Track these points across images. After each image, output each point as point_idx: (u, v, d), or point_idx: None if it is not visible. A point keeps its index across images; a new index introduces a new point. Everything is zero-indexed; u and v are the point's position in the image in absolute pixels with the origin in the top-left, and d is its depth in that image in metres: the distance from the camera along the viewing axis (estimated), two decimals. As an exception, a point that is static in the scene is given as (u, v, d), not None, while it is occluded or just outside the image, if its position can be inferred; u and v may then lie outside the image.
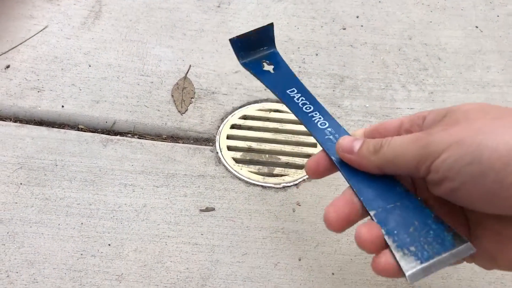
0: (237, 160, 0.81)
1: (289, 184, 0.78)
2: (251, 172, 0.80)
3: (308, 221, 0.74)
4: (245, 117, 0.88)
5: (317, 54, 0.98)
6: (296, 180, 0.79)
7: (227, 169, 0.80)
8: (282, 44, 0.98)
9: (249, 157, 0.82)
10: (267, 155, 0.82)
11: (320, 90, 0.92)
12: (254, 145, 0.83)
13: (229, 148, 0.83)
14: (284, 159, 0.82)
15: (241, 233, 0.72)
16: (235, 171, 0.80)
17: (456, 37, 1.02)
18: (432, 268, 0.35)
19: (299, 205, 0.76)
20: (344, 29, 1.03)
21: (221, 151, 0.82)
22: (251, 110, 0.89)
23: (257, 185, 0.78)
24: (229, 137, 0.85)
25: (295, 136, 0.84)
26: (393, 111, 0.89)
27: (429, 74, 0.95)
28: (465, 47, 1.00)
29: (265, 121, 0.87)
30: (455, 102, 0.90)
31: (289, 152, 0.83)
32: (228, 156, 0.82)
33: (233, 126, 0.86)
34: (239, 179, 0.79)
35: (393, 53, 0.99)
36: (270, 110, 0.88)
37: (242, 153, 0.82)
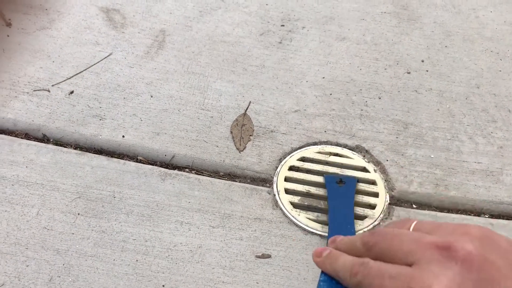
0: (294, 205, 0.79)
1: (348, 235, 0.75)
2: (309, 219, 0.77)
3: (368, 277, 0.70)
4: (303, 159, 0.86)
5: (380, 98, 0.95)
6: (357, 231, 0.76)
7: (284, 213, 0.78)
8: (344, 85, 0.97)
9: (307, 203, 0.80)
10: (326, 202, 0.80)
11: (383, 136, 0.89)
12: (312, 189, 0.81)
13: (287, 191, 0.81)
14: (343, 207, 0.79)
15: (298, 285, 0.69)
16: (293, 216, 0.77)
17: (527, 88, 0.98)
18: None
19: (359, 259, 0.72)
20: (409, 73, 1.00)
21: (278, 194, 0.80)
22: (310, 152, 0.87)
23: (315, 233, 0.75)
24: (287, 179, 0.83)
25: (356, 183, 0.82)
26: (459, 164, 0.85)
27: (498, 127, 0.91)
28: (537, 100, 0.96)
29: (324, 164, 0.85)
30: (526, 158, 0.86)
31: (349, 200, 0.80)
32: (285, 200, 0.80)
33: (291, 168, 0.85)
34: (297, 225, 0.76)
35: (460, 102, 0.95)
36: (330, 154, 0.86)
37: (300, 197, 0.80)
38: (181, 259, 0.71)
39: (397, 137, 0.89)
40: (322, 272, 0.45)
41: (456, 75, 1.00)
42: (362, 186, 0.82)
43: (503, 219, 0.79)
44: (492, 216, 0.80)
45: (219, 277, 0.70)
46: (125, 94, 0.94)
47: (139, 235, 0.74)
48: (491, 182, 0.82)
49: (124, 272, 0.70)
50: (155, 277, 0.70)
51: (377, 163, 0.85)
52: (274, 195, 0.80)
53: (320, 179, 0.82)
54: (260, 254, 0.73)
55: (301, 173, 0.84)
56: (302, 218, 0.77)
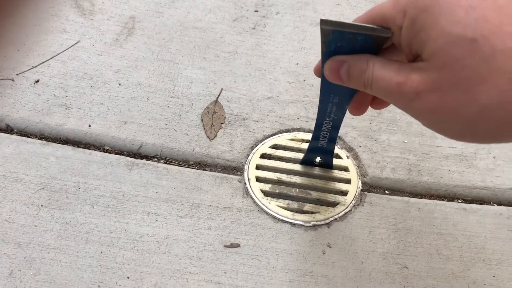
0: (265, 193, 0.78)
1: (320, 223, 0.74)
2: (280, 207, 0.76)
3: (339, 265, 0.69)
4: (276, 147, 0.84)
5: (354, 84, 0.93)
6: (328, 218, 0.74)
7: (255, 202, 0.76)
8: (318, 71, 0.95)
9: (278, 190, 0.78)
10: (297, 189, 0.78)
11: (356, 122, 0.87)
12: (284, 177, 0.79)
13: (258, 179, 0.79)
14: (315, 194, 0.77)
15: (267, 274, 0.68)
16: (263, 204, 0.76)
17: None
18: (346, 26, 0.41)
19: (330, 247, 0.71)
20: (384, 58, 0.99)
21: (249, 182, 0.78)
22: (282, 139, 0.85)
23: (286, 221, 0.74)
24: (258, 167, 0.81)
25: (328, 170, 0.80)
26: (433, 149, 0.84)
27: (473, 111, 0.90)
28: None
29: (296, 151, 0.83)
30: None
31: (321, 187, 0.78)
32: (256, 188, 0.78)
33: (263, 156, 0.83)
34: (267, 214, 0.75)
35: (435, 86, 0.94)
36: (303, 141, 0.84)
37: (271, 185, 0.78)
38: (147, 250, 0.69)
39: (370, 123, 0.87)
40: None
41: (431, 60, 0.99)
42: (334, 173, 0.80)
43: (476, 203, 0.78)
44: (466, 201, 0.79)
45: (186, 267, 0.68)
46: (92, 82, 0.91)
47: (104, 227, 0.72)
48: (464, 166, 0.81)
49: (88, 264, 0.68)
50: (120, 269, 0.67)
51: (349, 149, 0.84)
52: (245, 183, 0.78)
53: (292, 166, 0.81)
54: (229, 244, 0.71)
55: (273, 161, 0.82)
56: (273, 206, 0.76)
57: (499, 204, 0.78)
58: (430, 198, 0.78)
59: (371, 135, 0.85)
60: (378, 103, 0.50)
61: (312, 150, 0.76)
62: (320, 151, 0.76)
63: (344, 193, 0.78)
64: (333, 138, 0.70)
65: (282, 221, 0.74)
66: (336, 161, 0.81)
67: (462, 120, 0.33)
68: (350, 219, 0.74)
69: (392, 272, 0.69)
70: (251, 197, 0.76)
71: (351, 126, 0.87)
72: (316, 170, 0.80)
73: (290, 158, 0.82)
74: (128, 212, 0.73)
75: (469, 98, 0.32)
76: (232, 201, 0.76)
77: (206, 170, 0.80)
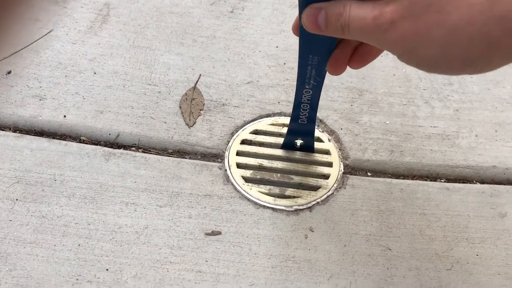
0: (246, 179, 0.76)
1: (301, 207, 0.73)
2: (261, 192, 0.74)
3: (322, 249, 0.68)
4: (256, 132, 0.83)
5: (334, 65, 0.92)
6: (310, 202, 0.73)
7: (235, 188, 0.75)
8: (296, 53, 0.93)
9: (259, 176, 0.77)
10: (278, 174, 0.77)
11: (337, 105, 0.86)
12: (265, 162, 0.78)
13: (239, 166, 0.78)
14: (297, 179, 0.76)
15: (249, 261, 0.67)
16: (244, 191, 0.74)
17: (484, 49, 0.95)
18: None
19: (312, 231, 0.70)
20: (364, 38, 0.97)
21: (230, 169, 0.77)
22: (263, 124, 0.83)
23: (267, 207, 0.73)
24: (239, 153, 0.80)
25: (310, 154, 0.79)
26: (415, 129, 0.83)
27: (455, 89, 0.89)
28: (493, 60, 0.94)
29: (277, 136, 0.82)
30: (482, 120, 0.84)
31: (302, 172, 0.77)
32: (237, 174, 0.76)
33: (243, 142, 0.81)
34: (248, 200, 0.73)
35: (416, 66, 0.93)
36: (283, 125, 0.83)
37: (252, 171, 0.77)
38: (126, 241, 0.68)
39: (351, 105, 0.86)
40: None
41: (412, 39, 0.97)
42: (316, 156, 0.79)
43: (459, 182, 0.78)
44: (449, 180, 0.78)
45: (167, 257, 0.67)
46: (66, 72, 0.88)
47: (81, 219, 0.70)
48: (447, 146, 0.81)
49: (66, 257, 0.66)
50: (99, 261, 0.66)
51: (331, 132, 0.82)
52: (226, 170, 0.77)
53: (273, 151, 0.79)
54: (210, 231, 0.70)
55: (254, 146, 0.81)
56: (254, 192, 0.74)
57: (482, 182, 0.78)
58: (412, 179, 0.78)
59: (352, 117, 0.84)
60: (356, 61, 0.50)
61: (292, 132, 0.75)
62: (301, 132, 0.74)
63: (326, 177, 0.77)
64: (313, 113, 0.68)
65: (264, 206, 0.73)
66: (317, 144, 0.80)
67: (434, 43, 0.34)
68: (332, 202, 0.74)
69: (375, 254, 0.68)
70: (232, 184, 0.75)
71: (332, 108, 0.85)
72: (298, 154, 0.79)
73: (271, 143, 0.81)
74: (106, 203, 0.72)
75: (440, 18, 0.33)
76: (213, 189, 0.74)
77: (186, 158, 0.79)
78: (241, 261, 0.67)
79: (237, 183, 0.75)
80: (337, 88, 0.88)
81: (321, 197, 0.74)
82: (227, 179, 0.76)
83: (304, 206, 0.73)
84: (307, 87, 0.62)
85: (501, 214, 0.72)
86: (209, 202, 0.73)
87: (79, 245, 0.68)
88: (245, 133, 0.82)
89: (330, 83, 0.89)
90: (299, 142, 0.77)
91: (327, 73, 0.55)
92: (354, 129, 0.82)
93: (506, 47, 0.33)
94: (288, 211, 0.72)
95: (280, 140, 0.80)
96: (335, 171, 0.77)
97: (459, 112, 0.85)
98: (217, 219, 0.71)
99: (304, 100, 0.66)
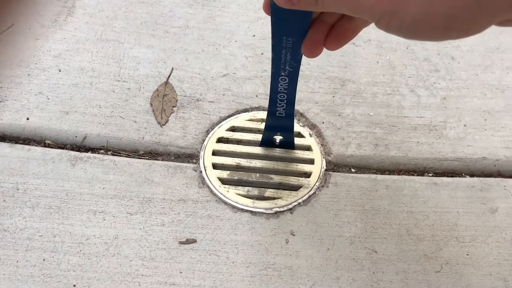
0: (223, 181, 0.72)
1: (282, 209, 0.69)
2: (239, 194, 0.70)
3: (304, 254, 0.64)
4: (233, 129, 0.78)
5: (315, 54, 0.87)
6: (290, 203, 0.69)
7: (211, 191, 0.70)
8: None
9: (237, 177, 0.72)
10: (257, 174, 0.72)
11: (318, 96, 0.81)
12: (243, 162, 0.73)
13: (215, 166, 0.73)
14: (276, 178, 0.72)
15: (226, 271, 0.63)
16: (221, 193, 0.70)
17: (471, 32, 0.91)
18: None
19: (293, 235, 0.66)
20: (346, 24, 0.92)
21: (205, 170, 0.73)
22: (240, 120, 0.79)
23: (246, 210, 0.68)
24: (215, 153, 0.75)
25: (290, 151, 0.74)
26: (400, 120, 0.78)
27: (441, 76, 0.84)
28: (481, 44, 0.89)
29: (256, 133, 0.77)
30: (470, 109, 0.80)
31: (282, 170, 0.73)
32: (213, 176, 0.72)
33: (219, 140, 0.76)
34: (225, 203, 0.69)
35: (400, 52, 0.88)
36: (262, 120, 0.78)
37: (229, 172, 0.73)
38: (95, 254, 0.64)
39: (333, 96, 0.81)
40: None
41: (396, 23, 0.92)
42: (296, 153, 0.74)
43: (447, 176, 0.74)
44: (437, 174, 0.74)
45: (138, 269, 0.62)
46: (29, 70, 0.83)
47: (46, 230, 0.65)
48: (434, 137, 0.76)
49: (29, 274, 0.62)
50: (65, 277, 0.62)
51: (312, 126, 0.78)
52: (201, 171, 0.72)
53: (251, 149, 0.75)
54: (184, 240, 0.65)
55: (231, 145, 0.76)
56: (232, 194, 0.70)
57: (471, 175, 0.74)
58: (398, 174, 0.74)
59: (334, 109, 0.80)
60: (332, 41, 0.46)
61: (271, 127, 0.70)
62: (279, 127, 0.70)
63: (307, 175, 0.73)
64: (291, 104, 0.63)
65: (242, 210, 0.68)
66: (298, 140, 0.75)
67: (415, 2, 0.31)
68: (314, 202, 0.69)
69: (360, 258, 0.64)
70: (208, 186, 0.71)
71: (313, 101, 0.81)
72: (277, 152, 0.75)
73: (249, 140, 0.76)
74: (72, 212, 0.67)
75: None
76: (187, 193, 0.70)
77: (158, 160, 0.74)
78: (218, 271, 0.63)
79: (213, 185, 0.71)
80: (317, 79, 0.83)
81: (302, 197, 0.70)
82: (202, 182, 0.71)
83: (285, 208, 0.69)
84: (282, 74, 0.58)
85: (491, 210, 0.69)
86: (183, 208, 0.68)
87: (44, 259, 0.63)
88: (221, 131, 0.77)
89: (310, 73, 0.84)
90: (278, 138, 0.73)
91: (306, 60, 0.51)
92: (337, 122, 0.78)
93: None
94: (268, 214, 0.68)
95: (259, 137, 0.76)
96: (317, 169, 0.73)
97: (446, 100, 0.81)
98: (192, 225, 0.66)
99: (280, 89, 0.61)
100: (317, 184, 0.71)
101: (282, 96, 0.62)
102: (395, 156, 0.74)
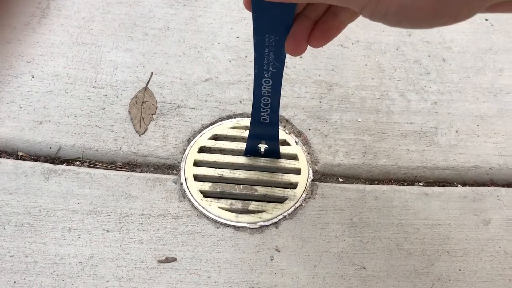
0: (205, 193, 0.68)
1: (267, 224, 0.65)
2: (221, 208, 0.67)
3: (289, 272, 0.61)
4: (216, 137, 0.74)
5: (301, 57, 0.83)
6: (276, 217, 0.66)
7: (193, 205, 0.67)
8: (260, 45, 0.84)
9: (219, 189, 0.69)
10: (241, 186, 0.69)
11: (305, 102, 0.78)
12: (226, 172, 0.70)
13: (196, 178, 0.70)
14: (261, 190, 0.69)
15: (208, 291, 0.60)
16: (203, 207, 0.67)
17: (463, 32, 0.88)
18: None
19: (279, 251, 0.63)
20: (333, 24, 0.89)
21: (186, 182, 0.69)
22: (223, 128, 0.75)
23: (229, 225, 0.65)
24: (196, 163, 0.72)
25: (275, 160, 0.71)
26: (390, 126, 0.75)
27: (432, 79, 0.81)
28: (473, 44, 0.86)
29: (240, 141, 0.74)
30: (462, 114, 0.77)
31: (267, 181, 0.70)
32: (194, 189, 0.69)
33: (201, 149, 0.73)
34: (207, 218, 0.66)
35: (390, 54, 0.85)
36: (246, 128, 0.75)
37: (211, 183, 0.69)
38: (69, 274, 0.60)
39: (320, 101, 0.78)
40: None
41: (385, 23, 0.89)
42: (282, 163, 0.71)
43: (438, 185, 0.71)
44: (427, 183, 0.71)
45: (115, 291, 0.59)
46: (0, 76, 0.78)
47: (17, 250, 0.62)
48: (424, 144, 0.73)
49: (-1, 298, 0.58)
50: (37, 301, 0.58)
51: (298, 133, 0.75)
52: (181, 184, 0.69)
53: (235, 159, 0.71)
54: (164, 258, 0.62)
55: (213, 154, 0.73)
56: (214, 208, 0.67)
57: (464, 184, 0.71)
58: (388, 184, 0.71)
59: (321, 115, 0.76)
60: (316, 37, 0.43)
61: (255, 135, 0.67)
62: (264, 135, 0.66)
63: (293, 186, 0.70)
64: (275, 109, 0.60)
65: (225, 225, 0.65)
66: (283, 149, 0.72)
67: None
68: (300, 215, 0.66)
69: (348, 275, 0.61)
70: (189, 200, 0.67)
71: (299, 106, 0.77)
72: (262, 161, 0.71)
73: (233, 149, 0.73)
74: (46, 230, 0.64)
75: None
76: (167, 207, 0.66)
77: (136, 171, 0.70)
78: (199, 292, 0.59)
79: (194, 198, 0.67)
80: (304, 83, 0.80)
81: (288, 210, 0.67)
82: (183, 195, 0.68)
83: (270, 222, 0.66)
84: (266, 75, 0.54)
85: (484, 221, 0.66)
86: (162, 223, 0.65)
87: (14, 282, 0.59)
88: (203, 139, 0.74)
89: (296, 77, 0.80)
90: (263, 147, 0.69)
91: (291, 63, 0.47)
92: (324, 129, 0.75)
93: None
94: (252, 228, 0.65)
95: (243, 146, 0.72)
96: (303, 179, 0.70)
97: (437, 105, 0.78)
98: (172, 243, 0.63)
99: (264, 93, 0.57)
100: (304, 195, 0.68)
101: (266, 100, 0.59)
102: (385, 165, 0.71)
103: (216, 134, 0.74)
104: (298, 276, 0.61)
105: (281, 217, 0.66)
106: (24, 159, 0.71)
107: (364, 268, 0.62)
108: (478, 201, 0.68)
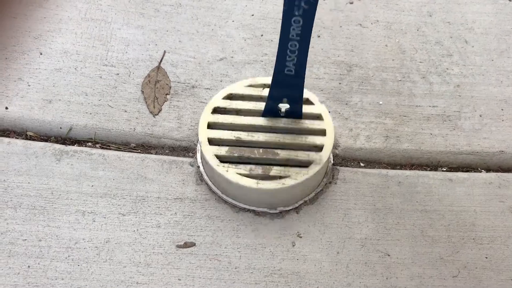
0: (221, 158, 0.63)
1: (287, 209, 0.63)
2: (240, 174, 0.62)
3: (312, 259, 0.60)
4: (231, 97, 0.69)
5: (319, 36, 0.81)
6: (298, 180, 0.61)
7: (211, 189, 0.65)
8: (277, 23, 0.81)
9: (237, 153, 0.64)
10: (261, 150, 0.64)
11: (324, 83, 0.75)
12: (243, 135, 0.65)
13: (211, 142, 0.65)
14: (283, 154, 0.64)
15: (229, 277, 0.58)
16: (220, 173, 0.61)
17: (485, 13, 0.85)
18: None
19: (300, 237, 0.61)
20: (352, 3, 0.86)
21: (200, 146, 0.64)
22: (238, 86, 0.69)
23: (248, 210, 0.63)
24: (210, 125, 0.66)
25: (297, 120, 0.66)
26: (412, 109, 0.73)
27: (454, 61, 0.79)
28: (496, 26, 0.84)
29: (257, 100, 0.68)
30: (486, 97, 0.75)
31: (289, 144, 0.65)
32: (210, 153, 0.62)
33: (215, 110, 0.67)
34: (226, 202, 0.64)
35: (411, 34, 0.82)
36: (264, 86, 0.69)
37: (228, 148, 0.64)
38: (85, 259, 0.58)
39: (340, 83, 0.76)
40: None
41: (405, 2, 0.86)
42: (305, 124, 0.66)
43: (462, 171, 0.69)
44: (451, 169, 0.69)
45: (132, 277, 0.57)
46: (7, 53, 0.75)
47: (30, 234, 0.60)
48: (448, 128, 0.71)
49: (13, 283, 0.56)
50: (53, 286, 0.56)
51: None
52: (198, 166, 0.67)
53: (253, 120, 0.66)
54: (182, 243, 0.60)
55: (229, 115, 0.67)
56: (232, 174, 0.61)
57: (488, 170, 0.69)
58: (411, 168, 0.69)
59: (341, 97, 0.74)
60: None
61: (276, 91, 0.61)
62: (287, 91, 0.61)
63: (318, 148, 0.64)
64: (304, 57, 0.55)
65: (244, 209, 0.63)
66: (306, 108, 0.66)
67: None
68: (321, 201, 0.64)
69: (372, 262, 0.60)
70: (206, 183, 0.65)
71: (318, 88, 0.75)
72: (283, 122, 0.66)
73: (250, 109, 0.67)
74: (59, 213, 0.61)
75: None
76: (184, 190, 0.64)
77: (151, 154, 0.68)
78: (219, 278, 0.58)
79: (209, 164, 0.62)
80: (322, 63, 0.77)
81: (312, 174, 0.62)
82: (200, 178, 0.66)
83: (291, 207, 0.63)
84: (296, 13, 0.50)
85: (511, 208, 0.64)
86: (180, 207, 0.63)
87: (28, 266, 0.57)
88: (216, 99, 0.68)
89: (314, 57, 0.78)
90: (284, 107, 0.64)
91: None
92: (344, 111, 0.72)
93: None
94: (272, 213, 0.63)
95: (261, 106, 0.67)
96: (329, 141, 0.64)
97: (460, 88, 0.76)
98: (190, 227, 0.61)
99: (293, 36, 0.53)
100: (329, 162, 0.65)
101: (293, 46, 0.54)
102: (407, 149, 0.69)
103: (231, 94, 0.69)
104: (320, 262, 0.59)
105: (301, 201, 0.64)
106: (34, 139, 0.68)
107: (389, 255, 0.60)
108: (504, 188, 0.66)
